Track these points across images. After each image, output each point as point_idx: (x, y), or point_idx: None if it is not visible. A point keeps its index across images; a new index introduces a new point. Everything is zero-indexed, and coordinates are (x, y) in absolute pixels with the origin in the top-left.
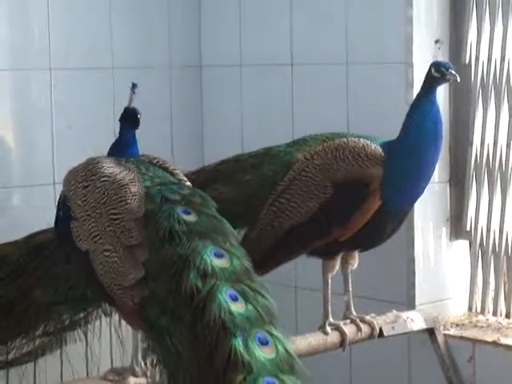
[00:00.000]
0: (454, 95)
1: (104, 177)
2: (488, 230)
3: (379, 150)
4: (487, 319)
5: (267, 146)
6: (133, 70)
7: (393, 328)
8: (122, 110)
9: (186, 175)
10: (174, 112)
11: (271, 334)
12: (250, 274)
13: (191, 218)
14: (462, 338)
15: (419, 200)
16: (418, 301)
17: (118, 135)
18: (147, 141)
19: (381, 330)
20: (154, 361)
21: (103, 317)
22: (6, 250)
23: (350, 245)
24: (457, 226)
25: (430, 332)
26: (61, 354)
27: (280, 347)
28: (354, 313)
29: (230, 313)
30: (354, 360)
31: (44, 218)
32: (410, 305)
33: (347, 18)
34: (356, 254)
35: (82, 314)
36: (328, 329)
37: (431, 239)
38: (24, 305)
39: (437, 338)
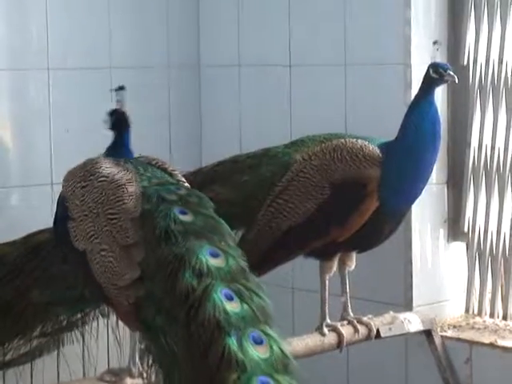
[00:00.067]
0: (452, 96)
1: (102, 177)
2: (485, 231)
3: (377, 150)
4: (484, 321)
5: (265, 146)
6: (131, 69)
7: (390, 329)
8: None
9: (184, 176)
10: (172, 112)
11: (266, 334)
12: (246, 273)
13: (187, 217)
14: (459, 339)
15: (417, 201)
16: (415, 302)
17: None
18: (145, 141)
19: (378, 331)
20: (150, 361)
21: (101, 318)
22: (3, 250)
23: (348, 246)
24: (454, 227)
25: (427, 333)
26: (58, 354)
27: (275, 347)
28: (351, 314)
29: (225, 312)
30: (350, 361)
31: (42, 218)
32: (408, 306)
33: (345, 19)
34: (353, 255)
35: (79, 315)
36: (325, 330)
37: (429, 241)
38: (21, 305)
39: (434, 340)
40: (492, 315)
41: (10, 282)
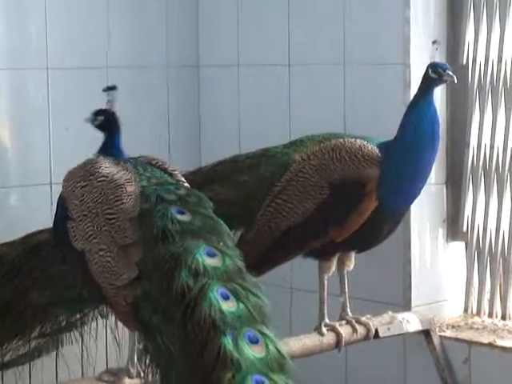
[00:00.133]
0: (451, 96)
1: (101, 177)
2: (484, 231)
3: (376, 150)
4: (483, 321)
5: (264, 146)
6: (130, 69)
7: (388, 329)
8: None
9: (183, 175)
10: (171, 112)
11: (262, 333)
12: (243, 273)
13: (185, 217)
14: (457, 339)
15: (416, 201)
16: (413, 302)
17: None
18: (144, 141)
19: (376, 331)
20: (148, 361)
21: (99, 318)
22: (2, 250)
23: (347, 246)
24: (453, 227)
25: (426, 333)
26: (56, 354)
27: (271, 346)
28: (350, 314)
29: (221, 311)
30: (349, 361)
31: (41, 218)
32: (406, 306)
33: (345, 18)
34: (352, 255)
35: (78, 316)
36: (324, 330)
37: (427, 240)
38: (20, 306)
39: (432, 340)
40: (491, 315)
41: (8, 283)
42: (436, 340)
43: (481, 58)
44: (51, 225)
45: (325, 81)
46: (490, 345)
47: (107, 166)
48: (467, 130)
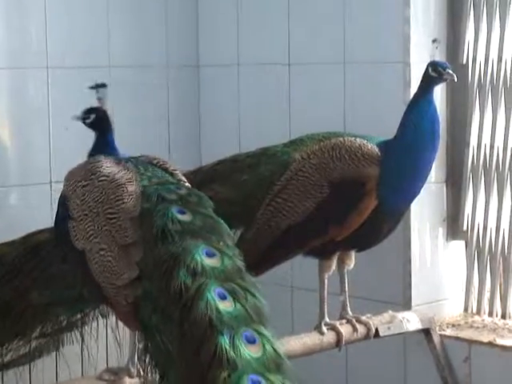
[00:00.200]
0: (451, 95)
1: (103, 176)
2: (484, 230)
3: (376, 149)
4: (483, 320)
5: (264, 145)
6: (130, 69)
7: (389, 328)
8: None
9: (184, 175)
10: (171, 112)
11: (259, 333)
12: (242, 273)
13: (186, 217)
14: (457, 338)
15: (416, 200)
16: (414, 301)
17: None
18: (144, 140)
19: (377, 330)
20: (148, 360)
21: (100, 318)
22: (2, 250)
23: (347, 245)
24: (453, 226)
25: (426, 332)
26: (57, 354)
27: (268, 346)
28: (350, 313)
29: (218, 311)
30: (349, 360)
31: (40, 217)
32: (406, 305)
33: (345, 17)
34: (352, 254)
35: (79, 316)
36: (324, 329)
37: (428, 239)
38: (21, 306)
39: (433, 339)
40: (491, 314)
41: (8, 283)
42: (436, 339)
43: (481, 57)
44: (51, 224)
45: (325, 80)
46: (490, 344)
47: (108, 166)
48: (467, 129)
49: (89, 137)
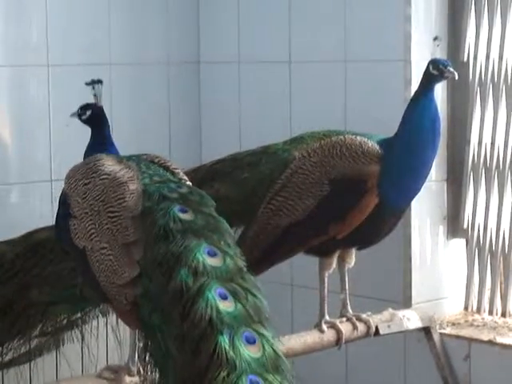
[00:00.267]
0: (452, 93)
1: (104, 174)
2: (485, 228)
3: (376, 147)
4: (483, 318)
5: (265, 143)
6: (130, 66)
7: (389, 326)
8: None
9: (185, 173)
10: (171, 109)
11: (259, 333)
12: (243, 273)
13: (187, 216)
14: (457, 336)
15: (416, 198)
16: (414, 299)
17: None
18: (145, 138)
19: (377, 328)
20: (148, 358)
21: (101, 316)
22: (1, 249)
23: (348, 243)
24: (454, 224)
25: (426, 331)
26: (57, 353)
27: (267, 347)
28: (351, 311)
29: (218, 311)
30: (349, 358)
31: (41, 215)
32: (407, 303)
33: (346, 15)
34: (353, 252)
35: (79, 314)
36: (324, 327)
37: (428, 238)
38: (21, 305)
39: (433, 337)
40: (491, 312)
41: (9, 281)
42: (436, 337)
43: (482, 54)
44: (52, 222)
45: (325, 78)
46: (490, 342)
47: (110, 164)
48: (468, 126)
49: (89, 134)
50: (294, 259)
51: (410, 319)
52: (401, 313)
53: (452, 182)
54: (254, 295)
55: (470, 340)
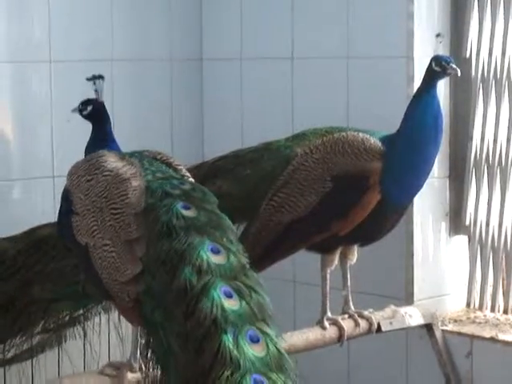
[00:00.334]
0: (455, 89)
1: (107, 171)
2: (487, 225)
3: (378, 143)
4: (485, 315)
5: (267, 139)
6: (133, 62)
7: (391, 323)
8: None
9: (187, 170)
10: (174, 105)
11: (263, 332)
12: (247, 270)
13: (190, 213)
14: (459, 333)
15: (418, 195)
16: (416, 296)
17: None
18: (147, 134)
19: (379, 325)
20: (150, 355)
21: (103, 313)
22: (4, 245)
23: (350, 239)
24: (456, 221)
25: (428, 327)
26: (59, 349)
27: (271, 345)
28: (353, 308)
29: (223, 309)
30: (351, 355)
31: (43, 211)
32: (409, 300)
33: (348, 12)
34: (355, 248)
35: (81, 311)
36: (326, 324)
37: (430, 234)
38: (23, 302)
39: (435, 334)
40: (493, 309)
41: (11, 278)
42: (438, 334)
43: (484, 51)
44: (54, 219)
45: (328, 74)
46: (492, 339)
47: (112, 160)
48: (470, 123)
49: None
50: (296, 256)
51: (412, 316)
52: (403, 309)
53: (454, 179)
54: (257, 292)
55: (472, 337)
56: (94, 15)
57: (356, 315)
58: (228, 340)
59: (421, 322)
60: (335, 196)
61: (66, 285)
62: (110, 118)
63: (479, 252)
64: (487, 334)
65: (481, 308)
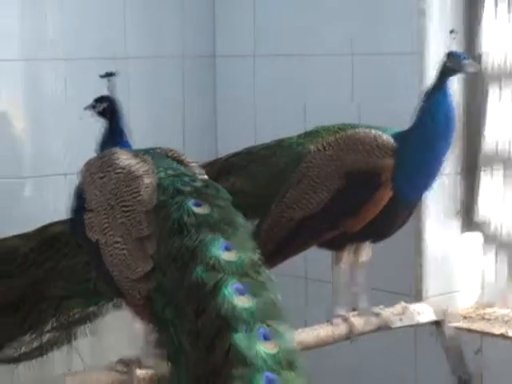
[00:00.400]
0: (467, 86)
1: (119, 168)
2: (498, 221)
3: (391, 140)
4: (495, 312)
5: (280, 136)
6: (146, 59)
7: (400, 320)
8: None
9: (201, 166)
10: (187, 102)
11: (275, 330)
12: (258, 267)
13: (202, 210)
14: (469, 330)
15: (430, 191)
16: (426, 293)
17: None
18: (159, 131)
19: (389, 321)
20: (160, 353)
21: (113, 310)
22: (16, 243)
23: (361, 236)
24: (468, 217)
25: (438, 324)
26: (70, 346)
27: (283, 343)
28: (364, 304)
29: (234, 307)
30: (361, 351)
31: (55, 208)
32: (418, 297)
33: (361, 7)
34: (367, 245)
35: (92, 308)
36: (336, 320)
37: (441, 231)
38: (34, 299)
39: (444, 330)
40: (503, 306)
41: (22, 276)
42: (448, 331)
43: (497, 47)
44: (66, 216)
45: (340, 71)
46: (502, 336)
47: (125, 158)
48: (482, 119)
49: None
50: (308, 252)
51: (422, 313)
52: (413, 306)
53: (466, 175)
54: (269, 289)
55: (482, 333)
56: (107, 12)
57: (366, 312)
58: (239, 338)
59: (431, 318)
60: (347, 193)
61: (77, 282)
62: (126, 115)
63: (490, 249)
64: (497, 330)
65: (491, 305)
